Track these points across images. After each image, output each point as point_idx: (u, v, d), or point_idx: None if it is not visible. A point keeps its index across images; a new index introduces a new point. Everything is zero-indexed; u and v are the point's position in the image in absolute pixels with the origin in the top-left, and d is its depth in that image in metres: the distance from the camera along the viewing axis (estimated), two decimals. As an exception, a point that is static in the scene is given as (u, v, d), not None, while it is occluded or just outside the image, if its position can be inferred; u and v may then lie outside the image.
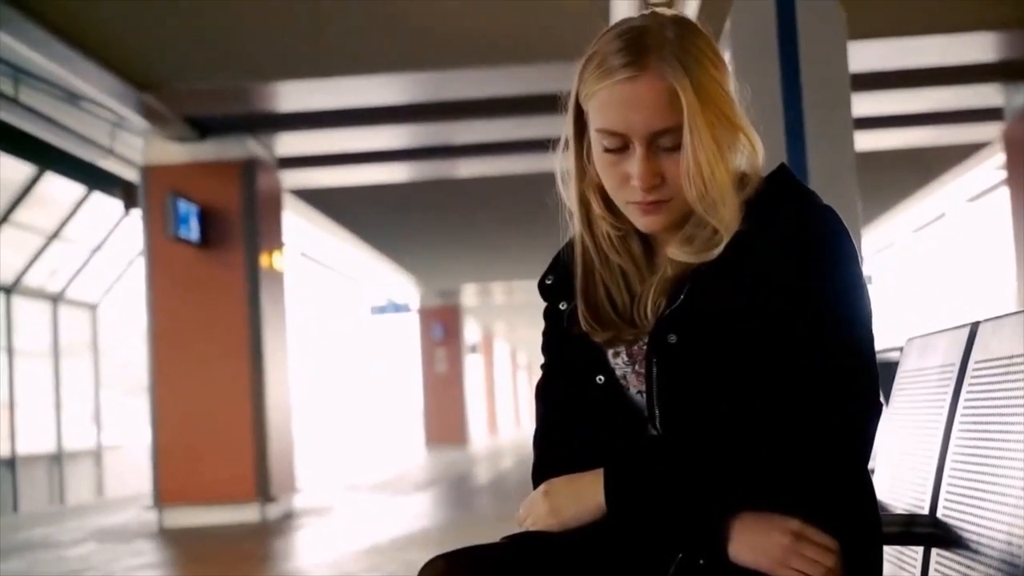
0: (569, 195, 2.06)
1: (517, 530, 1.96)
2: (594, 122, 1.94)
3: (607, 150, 1.92)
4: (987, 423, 2.22)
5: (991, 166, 16.23)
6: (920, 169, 17.13)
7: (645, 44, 1.88)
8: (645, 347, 1.95)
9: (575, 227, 2.06)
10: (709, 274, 1.90)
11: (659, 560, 1.82)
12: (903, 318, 23.32)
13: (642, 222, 1.96)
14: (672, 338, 1.90)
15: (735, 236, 1.89)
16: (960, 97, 13.16)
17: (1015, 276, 13.87)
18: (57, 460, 18.77)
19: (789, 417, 1.82)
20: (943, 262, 22.08)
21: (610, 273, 2.03)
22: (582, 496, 1.89)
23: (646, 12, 1.96)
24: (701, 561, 1.81)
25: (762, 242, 1.87)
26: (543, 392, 2.12)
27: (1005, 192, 14.81)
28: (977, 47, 11.19)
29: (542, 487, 1.96)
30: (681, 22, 1.92)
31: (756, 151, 1.97)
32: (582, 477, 1.91)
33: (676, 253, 1.94)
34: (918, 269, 23.91)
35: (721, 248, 1.89)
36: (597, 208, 2.02)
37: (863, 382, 1.86)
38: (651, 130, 1.88)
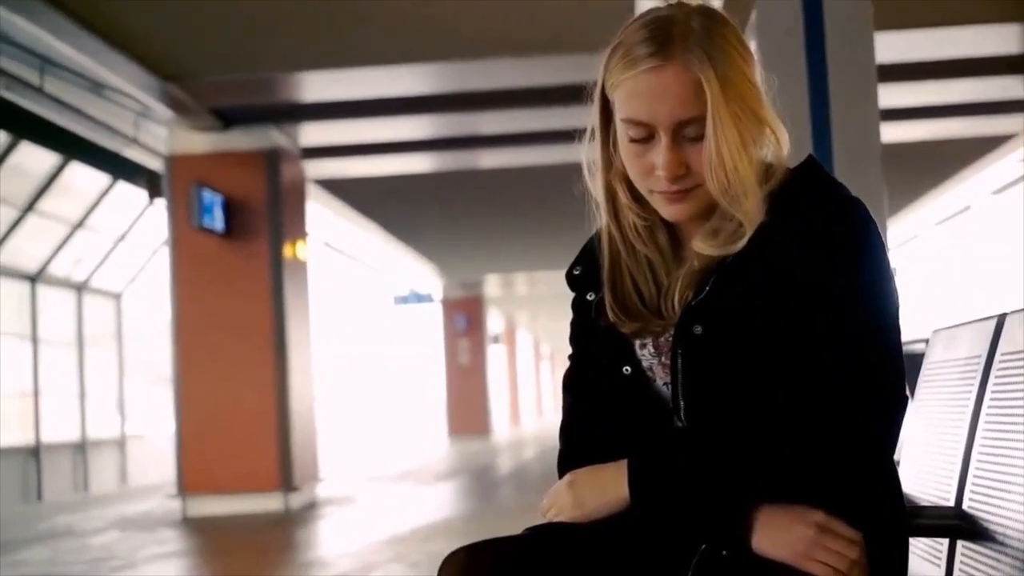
0: (595, 186, 2.05)
1: (540, 521, 1.95)
2: (620, 112, 1.93)
3: (632, 140, 1.92)
4: (1013, 415, 2.21)
5: (1016, 158, 16.16)
6: (944, 161, 17.06)
7: (670, 34, 1.87)
8: (671, 339, 1.95)
9: (602, 218, 2.06)
10: (736, 266, 1.89)
11: (682, 551, 1.81)
12: (928, 310, 23.22)
13: (667, 211, 1.95)
14: (697, 329, 1.90)
15: (762, 228, 1.88)
16: (985, 89, 13.10)
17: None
18: (81, 449, 18.86)
19: (814, 410, 1.81)
20: (968, 254, 21.99)
21: (637, 264, 2.03)
22: (606, 487, 1.88)
23: (672, 2, 1.95)
24: (724, 552, 1.81)
25: (790, 234, 1.86)
26: (570, 383, 2.12)
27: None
28: (1002, 39, 11.13)
29: (566, 478, 1.96)
30: (708, 12, 1.91)
31: (782, 143, 1.96)
32: (606, 468, 1.90)
33: (701, 246, 1.93)
34: (943, 261, 23.81)
35: (745, 241, 1.89)
36: (624, 198, 2.02)
37: (889, 376, 1.85)
38: (676, 120, 1.87)
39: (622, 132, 1.94)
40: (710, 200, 1.92)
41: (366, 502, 13.97)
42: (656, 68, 1.86)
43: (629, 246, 2.03)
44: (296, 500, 13.21)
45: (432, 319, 32.55)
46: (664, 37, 1.87)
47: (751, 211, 1.88)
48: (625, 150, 1.95)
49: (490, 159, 15.71)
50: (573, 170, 2.08)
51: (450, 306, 31.89)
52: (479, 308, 32.63)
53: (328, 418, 20.89)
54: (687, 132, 1.88)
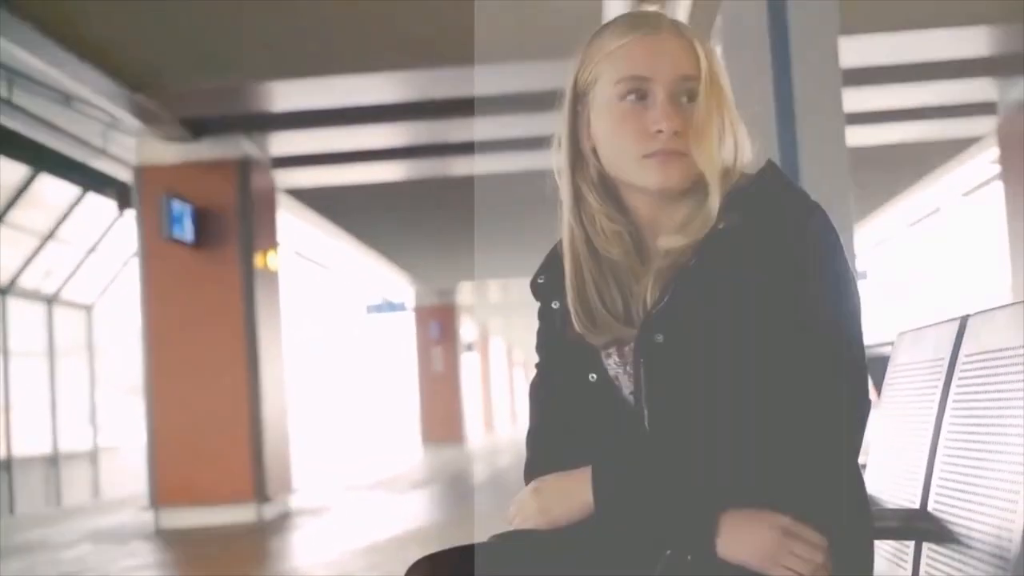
0: (563, 188, 2.04)
1: (506, 529, 1.95)
2: (613, 77, 1.94)
3: (627, 97, 1.93)
4: (977, 416, 2.22)
5: (985, 161, 16.25)
6: (915, 164, 17.14)
7: (658, 18, 1.95)
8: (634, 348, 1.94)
9: (565, 221, 2.04)
10: (695, 273, 1.89)
11: (648, 557, 1.81)
12: (899, 313, 23.31)
13: (659, 175, 1.92)
14: (659, 338, 1.89)
15: (721, 233, 1.88)
16: (954, 92, 13.16)
17: (1009, 270, 13.87)
18: (53, 462, 18.74)
19: (778, 415, 1.81)
20: (939, 256, 22.09)
21: (600, 272, 2.01)
22: (571, 494, 1.88)
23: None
24: (689, 557, 1.81)
25: (749, 240, 1.86)
26: (536, 391, 2.12)
27: (999, 186, 14.81)
28: (971, 42, 11.18)
29: (531, 485, 1.96)
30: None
31: (745, 151, 1.97)
32: (571, 475, 1.90)
33: (670, 240, 1.93)
34: (914, 264, 23.90)
35: (709, 225, 1.89)
36: (593, 201, 2.01)
37: (851, 380, 1.85)
38: (677, 73, 1.91)
39: (609, 102, 1.95)
40: (695, 174, 1.92)
41: (340, 512, 13.93)
42: (654, 32, 1.93)
43: (594, 251, 2.01)
44: (270, 511, 13.18)
45: (405, 327, 32.51)
46: (655, 19, 1.95)
47: (714, 187, 1.90)
48: (615, 118, 1.95)
49: (461, 166, 15.70)
50: (545, 177, 2.08)
51: (423, 314, 31.85)
52: (452, 316, 32.61)
53: (302, 427, 20.84)
54: (681, 96, 1.91)
